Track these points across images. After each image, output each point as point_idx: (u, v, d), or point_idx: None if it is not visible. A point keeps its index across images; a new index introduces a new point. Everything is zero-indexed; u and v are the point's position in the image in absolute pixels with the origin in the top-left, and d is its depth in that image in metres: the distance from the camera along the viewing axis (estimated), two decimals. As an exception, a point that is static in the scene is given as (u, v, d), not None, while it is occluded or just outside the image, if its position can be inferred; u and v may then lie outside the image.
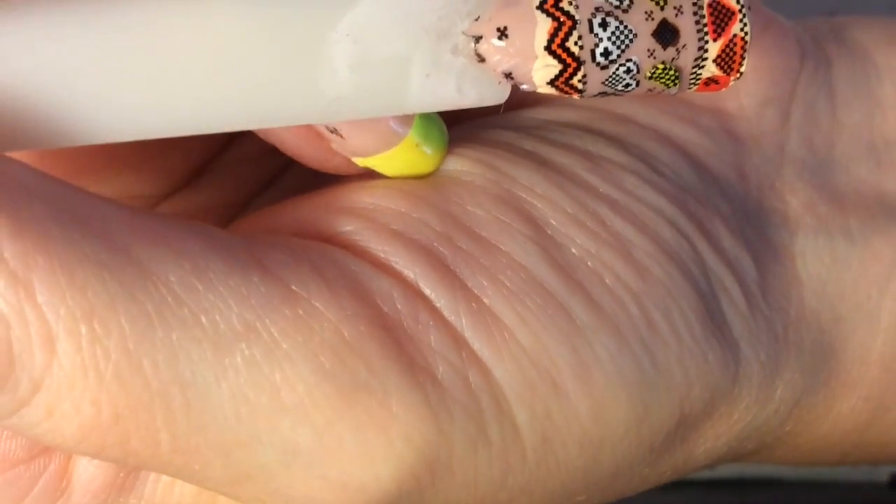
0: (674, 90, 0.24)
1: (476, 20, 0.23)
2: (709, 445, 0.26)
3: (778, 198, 0.28)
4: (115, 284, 0.20)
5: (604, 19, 0.23)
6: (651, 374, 0.24)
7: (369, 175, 0.24)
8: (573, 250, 0.24)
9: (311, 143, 0.23)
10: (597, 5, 0.23)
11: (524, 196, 0.24)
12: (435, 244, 0.23)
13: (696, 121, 0.27)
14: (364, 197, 0.23)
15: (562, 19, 0.23)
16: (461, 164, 0.24)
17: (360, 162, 0.24)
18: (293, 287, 0.21)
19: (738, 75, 0.25)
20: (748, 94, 0.28)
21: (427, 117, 0.24)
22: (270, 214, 0.24)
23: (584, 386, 0.23)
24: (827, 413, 0.28)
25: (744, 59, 0.25)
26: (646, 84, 0.24)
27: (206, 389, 0.20)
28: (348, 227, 0.23)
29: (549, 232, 0.24)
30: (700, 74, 0.24)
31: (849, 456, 0.30)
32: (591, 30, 0.23)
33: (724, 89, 0.25)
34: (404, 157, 0.24)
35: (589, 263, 0.24)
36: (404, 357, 0.22)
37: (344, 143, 0.23)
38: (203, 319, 0.20)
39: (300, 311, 0.21)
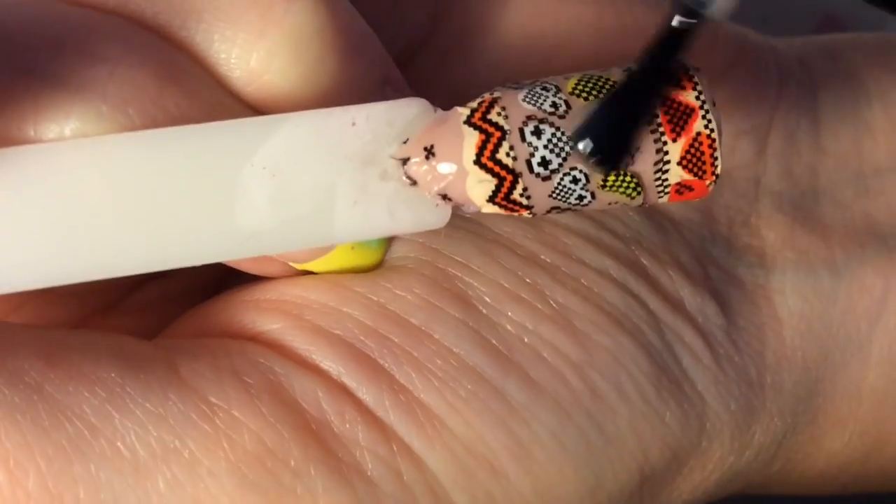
0: (638, 200, 0.23)
1: (405, 143, 0.22)
2: (686, 497, 0.26)
3: (753, 234, 0.27)
4: (28, 425, 0.21)
5: (537, 127, 0.22)
6: (599, 444, 0.24)
7: None
8: (508, 327, 0.23)
9: None
10: (528, 114, 0.22)
11: (458, 274, 0.24)
12: (361, 337, 0.23)
13: None
14: (293, 290, 0.24)
15: (490, 131, 0.22)
16: (397, 249, 0.24)
17: (299, 267, 0.24)
18: (212, 399, 0.22)
19: (713, 179, 0.23)
20: None
21: None
22: (203, 314, 0.24)
23: (523, 466, 0.23)
24: (818, 451, 0.27)
25: (715, 158, 0.22)
26: (603, 196, 0.22)
27: None
28: (274, 326, 0.23)
29: (483, 311, 0.23)
30: (667, 181, 0.23)
31: (849, 488, 0.29)
32: (524, 139, 0.22)
33: (703, 196, 0.23)
34: (341, 259, 0.24)
35: (525, 340, 0.23)
36: (330, 457, 0.22)
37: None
38: (121, 447, 0.21)
39: (219, 424, 0.22)
